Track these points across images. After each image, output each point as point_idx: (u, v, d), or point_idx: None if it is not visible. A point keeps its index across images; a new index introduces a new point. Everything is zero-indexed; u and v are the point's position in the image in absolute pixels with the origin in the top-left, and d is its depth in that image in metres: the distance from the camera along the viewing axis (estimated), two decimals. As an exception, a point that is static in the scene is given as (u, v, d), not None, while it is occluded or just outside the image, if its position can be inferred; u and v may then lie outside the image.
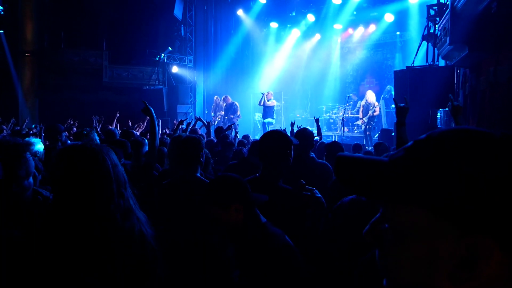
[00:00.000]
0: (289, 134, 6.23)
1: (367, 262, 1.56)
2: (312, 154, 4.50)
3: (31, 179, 1.98)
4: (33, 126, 9.34)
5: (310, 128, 4.38)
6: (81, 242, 1.56)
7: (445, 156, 0.63)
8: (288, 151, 2.76)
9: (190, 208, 2.78)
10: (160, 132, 9.94)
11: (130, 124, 11.74)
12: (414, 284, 0.65)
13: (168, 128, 11.69)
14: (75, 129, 10.01)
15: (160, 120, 10.17)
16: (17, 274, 1.54)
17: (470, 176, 0.60)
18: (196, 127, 9.26)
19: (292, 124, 7.64)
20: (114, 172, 1.66)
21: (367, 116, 13.20)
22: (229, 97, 15.84)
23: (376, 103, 13.44)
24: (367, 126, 13.25)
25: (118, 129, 9.71)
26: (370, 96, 13.51)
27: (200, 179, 3.08)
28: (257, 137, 8.38)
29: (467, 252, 0.60)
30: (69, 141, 6.33)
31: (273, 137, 2.81)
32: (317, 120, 8.05)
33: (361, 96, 15.66)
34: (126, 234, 1.64)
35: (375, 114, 13.25)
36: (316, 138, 7.00)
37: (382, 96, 15.25)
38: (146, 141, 4.53)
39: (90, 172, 1.60)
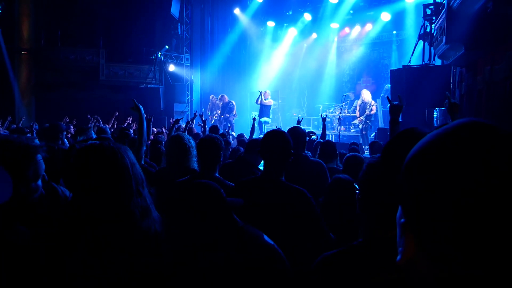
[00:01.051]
0: (314, 129, 6.23)
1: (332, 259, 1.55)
2: (308, 153, 4.50)
3: (39, 182, 1.95)
4: (31, 124, 9.27)
5: (308, 128, 4.38)
6: (101, 240, 1.56)
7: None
8: (291, 150, 2.78)
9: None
10: (155, 130, 9.93)
11: (130, 121, 11.71)
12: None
13: (165, 128, 11.67)
14: (71, 126, 9.97)
15: (152, 119, 10.17)
16: (25, 272, 1.55)
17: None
18: (192, 125, 9.24)
19: (299, 122, 7.50)
20: (132, 170, 1.67)
21: (364, 115, 13.23)
22: (225, 96, 15.83)
23: (373, 102, 13.47)
24: (364, 126, 13.28)
25: (115, 126, 9.70)
26: (366, 95, 13.54)
27: (220, 179, 3.22)
28: (255, 136, 8.31)
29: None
30: (65, 140, 6.31)
31: (277, 137, 2.83)
32: (324, 119, 7.67)
33: (358, 95, 15.71)
34: (144, 234, 1.64)
35: (372, 112, 13.29)
36: (313, 137, 6.99)
37: (381, 95, 15.29)
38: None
39: (109, 170, 1.61)
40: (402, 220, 0.71)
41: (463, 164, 0.61)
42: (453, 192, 0.61)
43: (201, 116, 9.21)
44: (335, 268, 1.49)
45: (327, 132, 15.10)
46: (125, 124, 11.12)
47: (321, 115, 8.09)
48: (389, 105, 3.30)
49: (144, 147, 3.91)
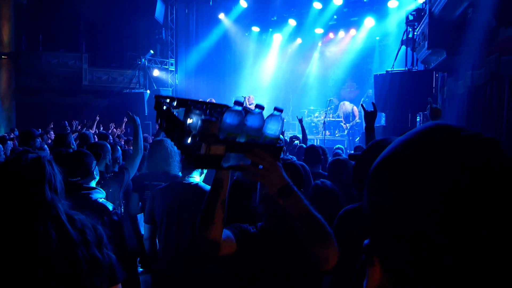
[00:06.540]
0: (300, 133, 6.14)
1: None
2: (293, 158, 4.49)
3: None
4: (10, 129, 9.09)
5: (293, 132, 4.33)
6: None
7: None
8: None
9: (189, 210, 3.14)
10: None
11: (113, 128, 11.55)
12: None
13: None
14: (52, 132, 9.81)
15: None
16: None
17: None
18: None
19: (301, 121, 7.45)
20: (50, 182, 1.68)
21: (350, 124, 13.84)
22: (213, 100, 15.76)
23: (356, 112, 14.07)
24: (350, 131, 13.90)
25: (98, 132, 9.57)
26: (348, 106, 14.24)
27: (197, 183, 3.34)
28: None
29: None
30: (45, 146, 6.22)
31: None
32: (300, 121, 7.48)
33: (342, 99, 15.99)
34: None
35: (356, 121, 13.89)
36: (296, 142, 6.97)
37: (362, 99, 15.45)
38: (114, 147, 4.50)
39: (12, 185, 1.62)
40: (366, 241, 0.62)
41: (427, 173, 0.54)
42: (420, 204, 0.53)
43: None
44: None
45: (313, 137, 15.20)
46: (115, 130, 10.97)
47: (297, 117, 7.99)
48: (363, 112, 3.34)
49: (141, 155, 3.95)
